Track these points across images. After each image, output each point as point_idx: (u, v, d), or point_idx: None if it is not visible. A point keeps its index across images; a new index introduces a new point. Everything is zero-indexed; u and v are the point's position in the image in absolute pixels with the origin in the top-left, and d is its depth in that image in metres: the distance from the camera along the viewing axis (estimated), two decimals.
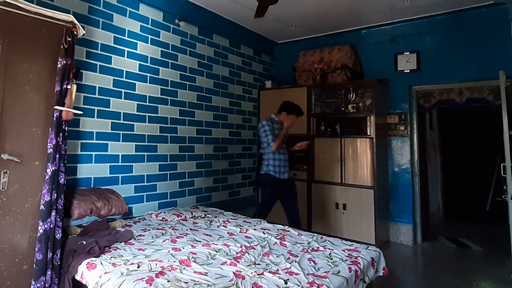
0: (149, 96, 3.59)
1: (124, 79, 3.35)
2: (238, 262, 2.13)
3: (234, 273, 1.96)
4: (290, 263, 2.13)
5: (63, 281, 2.07)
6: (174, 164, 3.85)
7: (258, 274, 1.95)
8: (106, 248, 2.29)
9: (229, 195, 4.63)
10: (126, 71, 3.37)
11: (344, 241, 2.72)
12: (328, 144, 4.45)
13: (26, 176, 2.00)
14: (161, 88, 3.72)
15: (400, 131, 4.40)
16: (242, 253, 2.30)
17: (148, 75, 3.59)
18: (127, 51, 3.39)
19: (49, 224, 2.01)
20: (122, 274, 1.87)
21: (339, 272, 2.04)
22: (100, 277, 1.90)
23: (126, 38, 3.38)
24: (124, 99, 3.36)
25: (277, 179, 3.52)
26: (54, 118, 2.06)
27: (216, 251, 2.31)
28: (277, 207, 4.82)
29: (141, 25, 3.53)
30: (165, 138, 3.76)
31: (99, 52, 3.14)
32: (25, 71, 1.99)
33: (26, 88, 2.00)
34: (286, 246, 2.53)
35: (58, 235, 2.09)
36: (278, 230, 2.95)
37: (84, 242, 2.25)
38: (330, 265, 2.15)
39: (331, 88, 4.61)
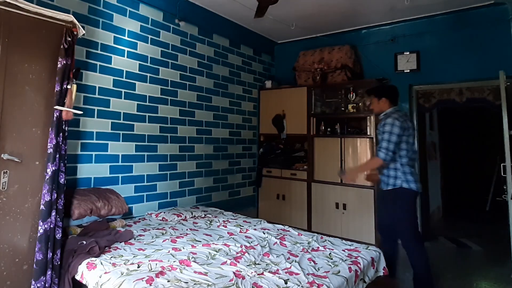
0: (149, 96, 3.59)
1: (124, 79, 3.35)
2: (238, 262, 2.13)
3: (234, 273, 1.96)
4: (290, 263, 2.13)
5: (63, 281, 2.07)
6: (174, 164, 3.85)
7: (258, 274, 1.95)
8: (106, 248, 2.29)
9: (229, 195, 4.63)
10: (126, 71, 3.37)
11: (344, 241, 2.72)
12: (328, 144, 4.45)
13: (26, 176, 2.00)
14: (161, 88, 3.72)
15: None
16: (242, 253, 2.30)
17: (148, 75, 3.59)
18: (127, 51, 3.39)
19: (49, 224, 2.01)
20: (122, 274, 1.88)
21: (339, 272, 2.04)
22: (100, 277, 1.90)
23: (126, 38, 3.38)
24: (124, 99, 3.36)
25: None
26: (54, 118, 2.06)
27: (216, 251, 2.31)
28: (276, 207, 4.83)
29: (141, 25, 3.53)
30: (165, 138, 3.76)
31: (99, 52, 3.14)
32: (25, 71, 1.99)
33: (26, 88, 2.00)
34: (286, 246, 2.53)
35: (58, 235, 2.09)
36: (278, 230, 2.95)
37: (84, 242, 2.25)
38: (330, 265, 2.15)
39: (331, 88, 4.61)
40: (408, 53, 4.34)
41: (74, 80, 2.16)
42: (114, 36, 3.27)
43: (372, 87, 2.99)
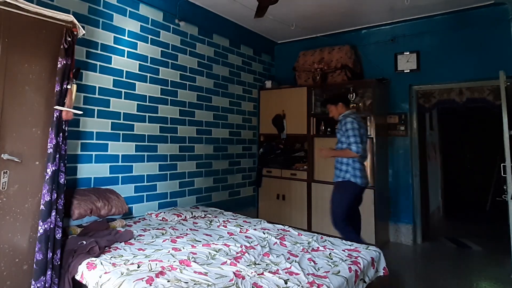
0: (149, 96, 3.59)
1: (124, 79, 3.35)
2: (238, 262, 2.13)
3: (234, 273, 1.96)
4: (290, 263, 2.13)
5: (63, 281, 2.07)
6: (174, 164, 3.84)
7: (258, 274, 1.95)
8: (106, 248, 2.29)
9: (229, 195, 4.63)
10: (126, 71, 3.37)
11: (344, 241, 2.72)
12: (328, 144, 4.41)
13: (26, 176, 2.00)
14: (161, 88, 3.72)
15: (400, 131, 4.40)
16: (242, 253, 2.30)
17: (148, 75, 3.59)
18: (127, 51, 3.39)
19: (49, 224, 2.01)
20: (122, 274, 1.88)
21: (339, 272, 2.04)
22: (100, 277, 1.90)
23: (126, 38, 3.38)
24: (124, 99, 3.35)
25: None
26: (54, 118, 2.06)
27: (216, 251, 2.31)
28: (276, 207, 4.83)
29: (141, 25, 3.53)
30: (165, 138, 3.76)
31: (99, 52, 3.14)
32: (25, 71, 1.99)
33: (26, 88, 2.00)
34: (286, 246, 2.53)
35: (58, 235, 2.09)
36: (278, 230, 2.95)
37: (84, 242, 2.25)
38: (330, 265, 2.15)
39: (331, 88, 4.60)
40: (408, 53, 4.34)
41: (74, 80, 2.16)
42: (114, 36, 3.27)
43: (326, 98, 3.47)
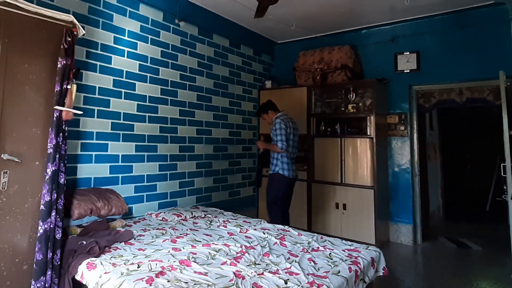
0: (149, 96, 3.59)
1: (124, 79, 3.35)
2: (238, 262, 2.13)
3: (234, 273, 1.96)
4: (290, 263, 2.13)
5: (63, 281, 2.07)
6: (174, 164, 3.85)
7: (258, 274, 1.95)
8: (106, 248, 2.29)
9: (229, 195, 4.63)
10: (126, 71, 3.37)
11: (344, 241, 2.72)
12: (328, 144, 4.45)
13: (26, 176, 2.00)
14: (161, 88, 3.72)
15: (400, 131, 4.40)
16: (242, 253, 2.30)
17: (148, 75, 3.59)
18: (127, 51, 3.39)
19: (49, 224, 2.01)
20: (122, 274, 1.87)
21: (339, 272, 2.04)
22: (100, 277, 1.90)
23: (126, 38, 3.38)
24: (124, 99, 3.35)
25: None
26: (54, 118, 2.06)
27: (216, 251, 2.31)
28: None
29: (141, 25, 3.53)
30: (165, 138, 3.76)
31: (99, 52, 3.14)
32: (25, 71, 1.99)
33: (26, 88, 2.00)
34: (286, 246, 2.53)
35: (58, 235, 2.09)
36: (278, 230, 2.95)
37: (84, 242, 2.25)
38: (330, 265, 2.15)
39: (331, 88, 4.61)
40: (408, 53, 4.34)
41: (74, 80, 2.16)
42: (114, 36, 3.27)
43: (258, 110, 3.98)
